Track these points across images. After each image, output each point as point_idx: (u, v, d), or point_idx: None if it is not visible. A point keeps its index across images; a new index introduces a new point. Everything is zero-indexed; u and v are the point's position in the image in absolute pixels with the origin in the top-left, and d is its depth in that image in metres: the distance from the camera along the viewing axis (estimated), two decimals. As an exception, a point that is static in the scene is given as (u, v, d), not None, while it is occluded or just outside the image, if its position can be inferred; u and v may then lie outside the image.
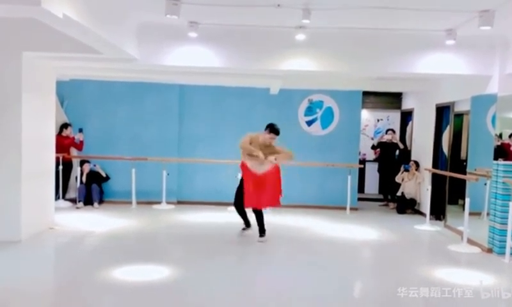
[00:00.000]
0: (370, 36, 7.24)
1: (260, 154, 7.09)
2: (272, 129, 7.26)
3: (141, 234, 7.76)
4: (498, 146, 7.52)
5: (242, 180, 7.43)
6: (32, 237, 6.99)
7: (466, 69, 7.45)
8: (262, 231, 7.39)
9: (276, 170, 7.33)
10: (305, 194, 10.44)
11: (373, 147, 11.46)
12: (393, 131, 11.13)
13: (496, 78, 7.22)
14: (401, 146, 10.89)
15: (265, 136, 7.26)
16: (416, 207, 10.32)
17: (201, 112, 10.36)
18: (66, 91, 10.09)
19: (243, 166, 7.34)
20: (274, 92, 10.29)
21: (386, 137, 11.02)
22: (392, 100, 12.43)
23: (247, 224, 7.73)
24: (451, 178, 8.66)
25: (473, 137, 8.05)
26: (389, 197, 11.05)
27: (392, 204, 10.88)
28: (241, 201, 7.36)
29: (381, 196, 11.57)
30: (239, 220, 8.72)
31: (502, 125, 7.61)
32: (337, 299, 5.12)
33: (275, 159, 7.20)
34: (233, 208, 9.54)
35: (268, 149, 7.25)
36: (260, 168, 7.22)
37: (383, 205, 11.11)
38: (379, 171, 11.37)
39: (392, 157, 10.87)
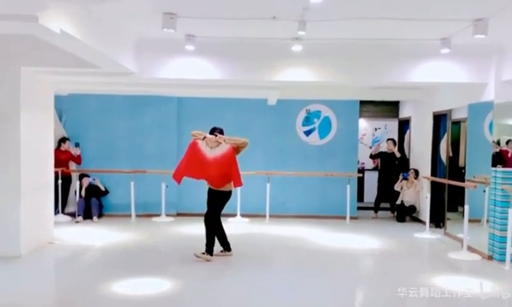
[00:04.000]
0: (366, 46, 7.30)
1: (208, 135, 6.67)
2: (210, 132, 6.77)
3: (141, 247, 7.74)
4: (496, 152, 7.55)
5: (210, 193, 6.87)
6: (32, 252, 6.97)
7: (463, 77, 7.49)
8: (208, 248, 6.71)
9: (230, 156, 6.63)
10: (304, 204, 10.43)
11: (371, 156, 11.47)
12: (394, 141, 11.12)
13: (493, 86, 7.25)
14: (398, 155, 10.88)
15: (211, 141, 6.69)
16: (415, 215, 10.32)
17: (200, 124, 10.21)
18: (65, 106, 10.13)
19: (193, 143, 6.74)
20: (271, 103, 10.33)
21: (385, 147, 11.03)
22: (389, 108, 12.47)
23: (226, 247, 6.99)
24: (450, 185, 8.67)
25: (471, 144, 8.06)
26: (380, 205, 10.97)
27: (375, 215, 10.81)
28: (214, 213, 6.81)
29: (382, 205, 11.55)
30: (239, 231, 8.71)
31: (499, 131, 7.65)
32: (338, 309, 5.12)
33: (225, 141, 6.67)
34: (233, 219, 9.63)
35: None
36: (211, 152, 6.62)
37: (375, 217, 10.94)
38: (379, 180, 11.33)
39: (392, 166, 10.83)
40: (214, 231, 6.83)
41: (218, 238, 6.92)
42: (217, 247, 6.94)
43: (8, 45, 6.42)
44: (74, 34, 4.88)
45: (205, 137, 6.77)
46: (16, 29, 5.04)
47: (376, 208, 10.97)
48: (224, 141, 6.74)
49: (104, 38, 5.86)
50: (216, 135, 6.76)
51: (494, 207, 7.07)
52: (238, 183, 6.80)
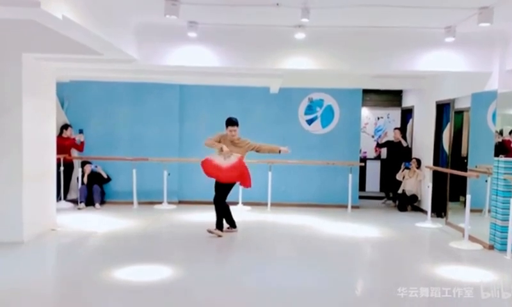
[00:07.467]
0: (370, 34, 7.25)
1: (224, 147, 7.18)
2: (227, 121, 7.40)
3: (143, 234, 7.77)
4: (499, 142, 7.53)
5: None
6: (35, 238, 7.00)
7: (466, 66, 7.45)
8: (218, 225, 7.39)
9: (241, 163, 7.27)
10: (306, 193, 10.45)
11: (378, 145, 11.44)
12: (401, 130, 11.10)
13: (496, 75, 7.21)
14: (404, 144, 10.86)
15: (227, 133, 7.38)
16: (417, 204, 10.32)
17: (202, 112, 10.37)
18: (67, 92, 10.12)
19: (205, 162, 7.33)
20: (274, 91, 10.30)
21: (393, 136, 11.03)
22: (392, 97, 12.41)
23: (231, 224, 7.72)
24: (452, 175, 8.66)
25: (473, 134, 8.04)
26: (390, 194, 11.03)
27: (392, 202, 10.90)
28: (221, 197, 7.41)
29: (383, 194, 11.57)
30: (241, 219, 8.72)
31: (502, 121, 7.62)
32: (339, 297, 5.12)
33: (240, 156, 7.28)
34: (234, 207, 9.61)
35: (236, 147, 7.33)
36: (225, 161, 7.20)
37: (384, 202, 11.11)
38: (383, 169, 11.33)
39: (399, 155, 10.81)
40: (222, 211, 7.44)
41: (225, 217, 7.50)
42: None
43: (9, 30, 6.37)
44: (77, 20, 4.84)
45: (221, 149, 7.21)
46: (18, 15, 5.00)
47: (387, 195, 11.13)
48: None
49: (107, 25, 5.83)
50: (233, 131, 7.34)
51: (496, 197, 7.07)
52: (247, 184, 7.46)
